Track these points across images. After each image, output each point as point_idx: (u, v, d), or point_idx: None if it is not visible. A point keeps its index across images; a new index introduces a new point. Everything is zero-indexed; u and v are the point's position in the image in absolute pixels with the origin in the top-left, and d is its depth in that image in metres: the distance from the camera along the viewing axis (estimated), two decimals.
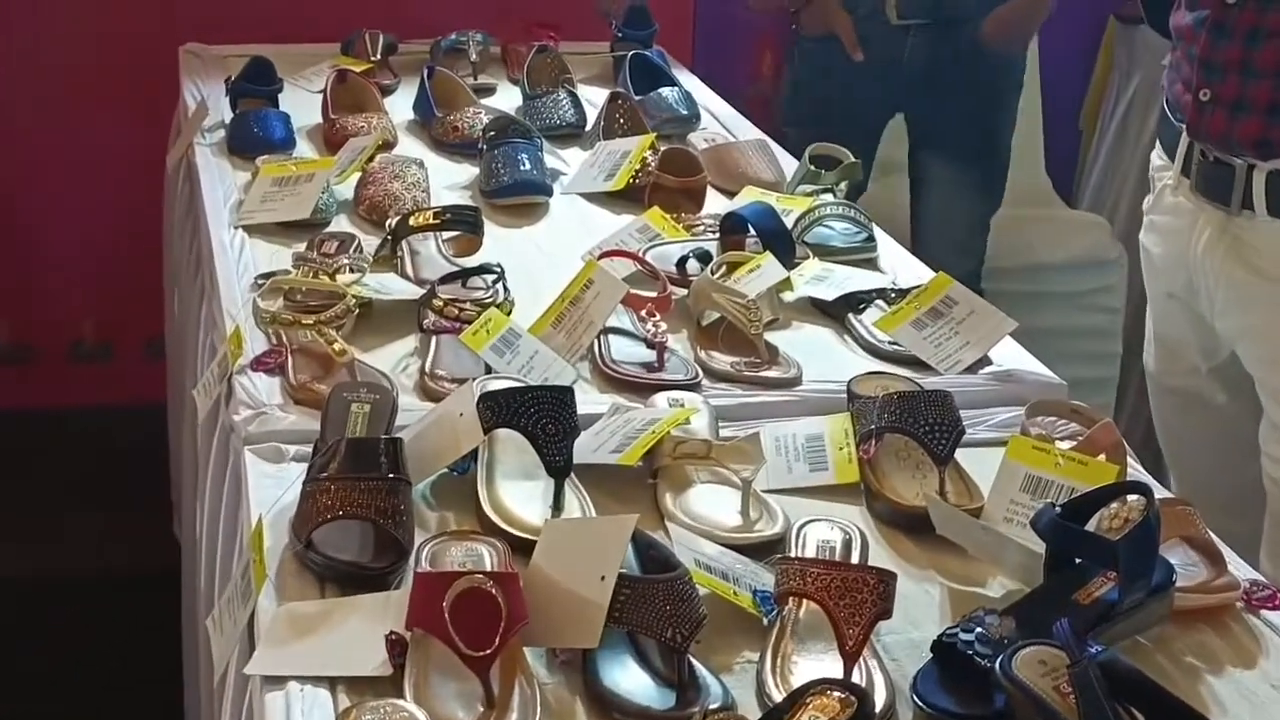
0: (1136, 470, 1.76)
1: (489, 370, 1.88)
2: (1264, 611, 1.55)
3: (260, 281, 2.12)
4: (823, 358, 2.05)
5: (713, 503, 1.69)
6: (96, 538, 3.39)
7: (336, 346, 1.91)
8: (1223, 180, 2.07)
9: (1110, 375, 3.64)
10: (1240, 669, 1.47)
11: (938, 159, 3.41)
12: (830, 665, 1.40)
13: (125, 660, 3.00)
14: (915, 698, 1.39)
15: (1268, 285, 2.07)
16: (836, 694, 1.24)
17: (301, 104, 2.98)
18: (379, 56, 3.21)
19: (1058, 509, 1.51)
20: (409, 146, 2.81)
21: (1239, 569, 1.61)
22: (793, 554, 1.58)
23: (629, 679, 1.40)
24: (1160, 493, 1.67)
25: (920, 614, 1.53)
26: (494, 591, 1.37)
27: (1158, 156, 2.27)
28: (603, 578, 1.40)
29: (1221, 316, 2.16)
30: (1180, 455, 2.42)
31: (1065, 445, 1.72)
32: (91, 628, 3.11)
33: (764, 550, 1.61)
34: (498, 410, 1.69)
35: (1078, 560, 1.50)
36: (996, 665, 1.33)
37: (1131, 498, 1.53)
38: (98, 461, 3.62)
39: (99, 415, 3.71)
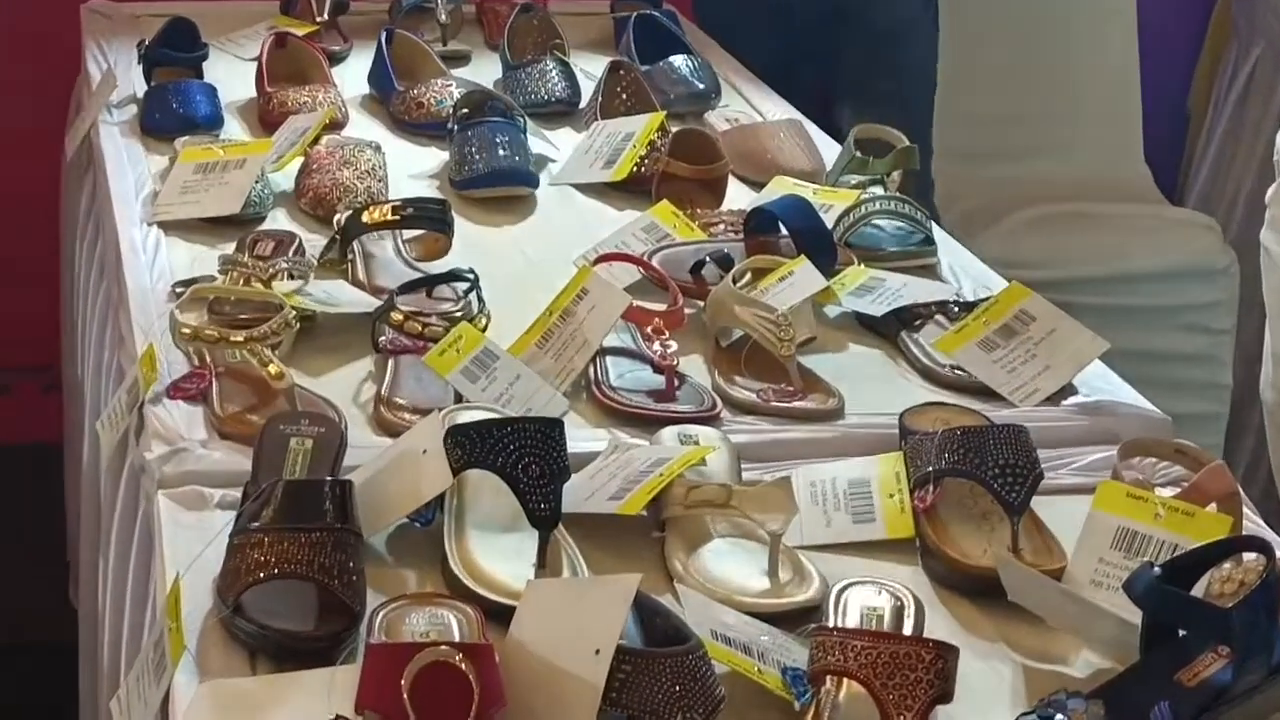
0: (1255, 524, 1.76)
1: (459, 399, 1.89)
2: None
3: (179, 290, 2.13)
4: (870, 385, 2.05)
5: (733, 561, 1.70)
6: None
7: (273, 369, 1.91)
8: None
9: (1219, 410, 3.63)
10: None
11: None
12: None
13: None
14: None
15: None
16: None
17: (231, 74, 2.99)
18: (326, 16, 3.23)
19: (1158, 570, 1.51)
20: (363, 126, 2.83)
21: None
22: (831, 623, 1.57)
23: None
24: None
25: (988, 698, 1.52)
26: (464, 667, 1.36)
27: None
28: (597, 651, 1.40)
29: None
30: None
31: (1167, 493, 1.71)
32: None
33: (796, 619, 1.60)
34: (470, 447, 1.68)
35: (1182, 632, 1.49)
36: None
37: (1248, 556, 1.53)
38: None
39: None
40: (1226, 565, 1.54)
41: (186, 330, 1.99)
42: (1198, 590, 1.52)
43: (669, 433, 1.88)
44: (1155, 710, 1.31)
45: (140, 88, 2.89)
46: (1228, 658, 1.46)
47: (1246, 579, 1.51)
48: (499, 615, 1.53)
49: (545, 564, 1.65)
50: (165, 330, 2.04)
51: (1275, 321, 2.36)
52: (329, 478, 1.67)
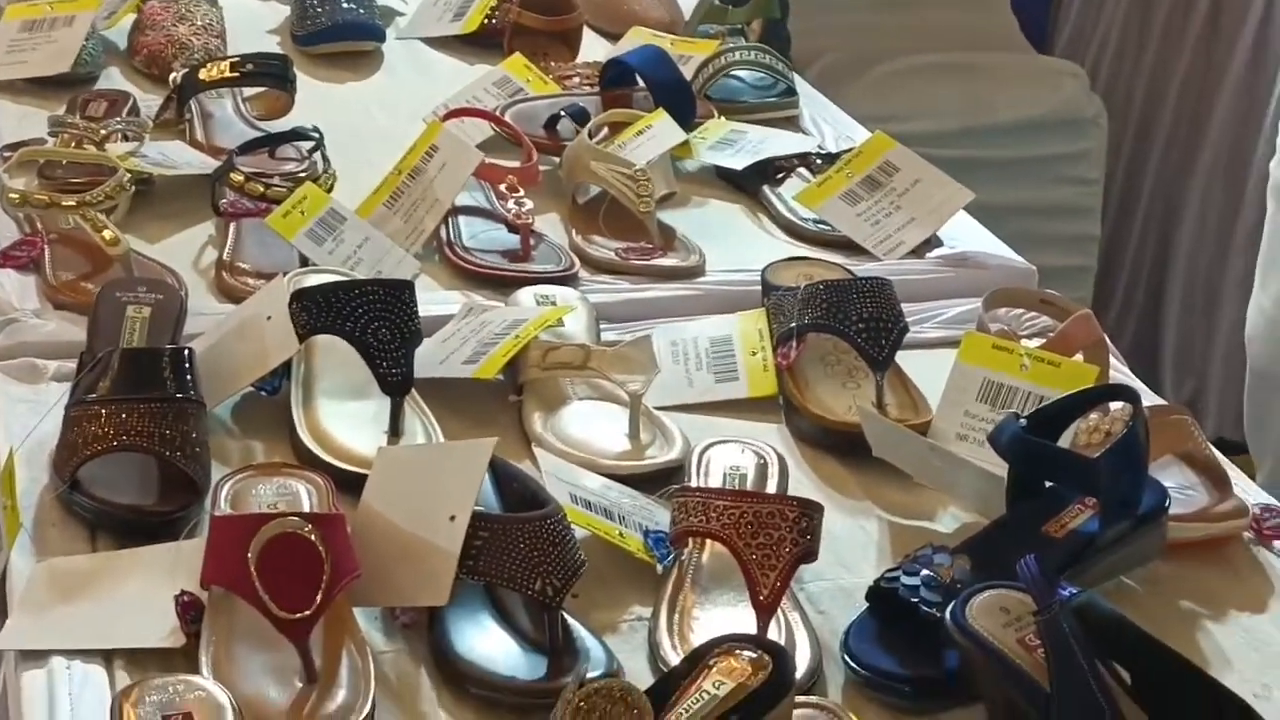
0: (1122, 373, 1.77)
1: (305, 262, 1.86)
2: (1277, 543, 1.57)
3: (7, 154, 2.07)
4: (731, 241, 2.05)
5: (592, 424, 1.69)
6: None
7: (107, 234, 1.87)
8: None
9: (1087, 264, 3.66)
10: (1247, 613, 1.49)
11: None
12: (741, 619, 1.40)
13: None
14: (846, 657, 1.39)
15: None
16: (747, 654, 1.23)
17: None
18: None
19: (1023, 421, 1.52)
20: None
21: (1247, 493, 1.62)
22: (693, 484, 1.57)
23: (488, 643, 1.39)
24: (1150, 399, 1.69)
25: (852, 555, 1.54)
26: (313, 538, 1.34)
27: None
28: (453, 518, 1.39)
29: None
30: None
31: (1033, 344, 1.72)
32: None
33: (658, 481, 1.61)
34: (316, 311, 1.66)
35: (1048, 484, 1.51)
36: (947, 615, 1.33)
37: (1115, 406, 1.54)
38: None
39: None
40: (1093, 415, 1.55)
41: (15, 195, 1.94)
42: (1064, 441, 1.53)
43: (525, 294, 1.86)
44: (1021, 563, 1.32)
45: None
46: (1094, 509, 1.48)
47: (1113, 429, 1.52)
48: (350, 484, 1.52)
49: (398, 431, 1.64)
50: None
51: (1269, 269, 2.33)
52: (168, 346, 1.64)
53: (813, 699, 1.33)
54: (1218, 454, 1.65)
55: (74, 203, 1.91)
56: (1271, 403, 2.27)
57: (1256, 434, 2.22)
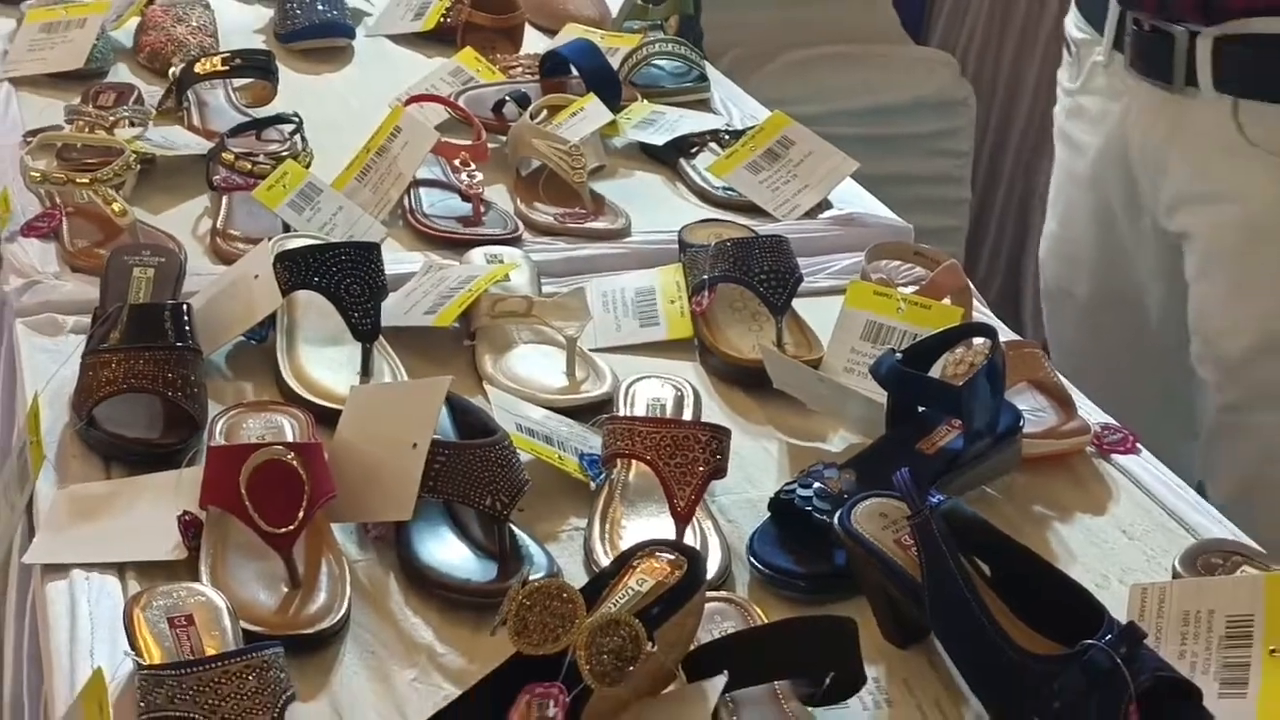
0: (983, 313, 1.78)
1: (287, 229, 1.84)
2: (1115, 456, 1.58)
3: (29, 139, 2.05)
4: (653, 206, 2.04)
5: (535, 364, 1.69)
6: None
7: (116, 207, 1.85)
8: (1160, 53, 1.88)
9: (959, 225, 3.67)
10: (1090, 515, 1.51)
11: None
12: (662, 528, 1.41)
13: None
14: (752, 558, 1.40)
15: (1211, 176, 1.90)
16: (666, 556, 1.24)
17: None
18: None
19: (899, 355, 1.53)
20: None
21: (1090, 413, 1.64)
22: (621, 413, 1.57)
23: (447, 551, 1.39)
24: (1006, 335, 1.69)
25: (757, 471, 1.54)
26: (295, 464, 1.35)
27: (1076, 28, 2.09)
28: (415, 445, 1.39)
29: (1166, 214, 1.98)
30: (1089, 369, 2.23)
31: (908, 290, 1.73)
32: None
33: (591, 411, 1.61)
34: (296, 270, 1.65)
35: (921, 409, 1.52)
36: (835, 521, 1.34)
37: (977, 341, 1.55)
38: None
39: None
40: (959, 350, 1.56)
41: (36, 174, 1.91)
42: (934, 372, 1.54)
43: (477, 253, 1.85)
44: (897, 475, 1.33)
45: None
46: (959, 429, 1.49)
47: (975, 361, 1.53)
48: (327, 418, 1.52)
49: (368, 372, 1.63)
50: (18, 175, 1.97)
51: (1055, 202, 2.25)
52: (170, 302, 1.63)
53: (722, 594, 1.34)
54: (1064, 381, 1.66)
55: (87, 180, 1.89)
56: (1060, 316, 2.28)
57: (1055, 350, 2.21)
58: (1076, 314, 2.21)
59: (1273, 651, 1.23)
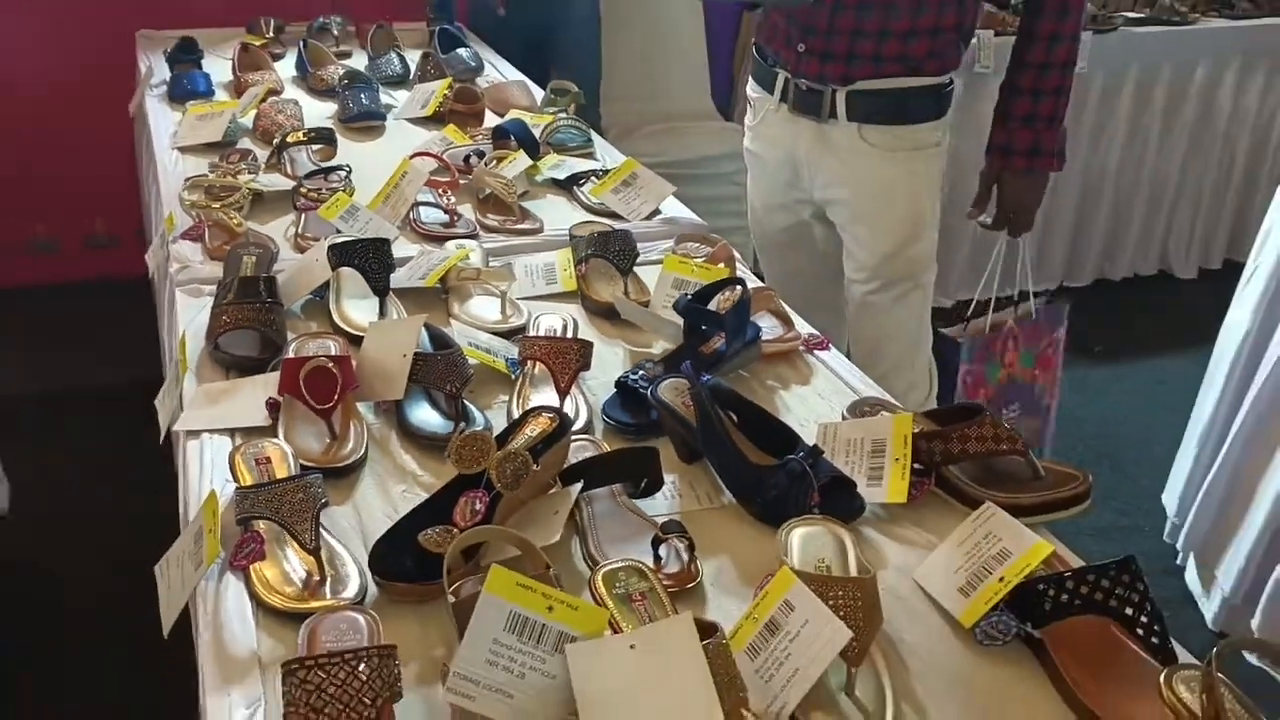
0: (744, 271, 1.76)
1: (338, 232, 1.79)
2: (816, 351, 1.58)
3: (189, 181, 1.97)
4: (557, 214, 1.99)
5: (484, 308, 1.65)
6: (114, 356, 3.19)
7: (235, 221, 1.79)
8: (814, 101, 1.90)
9: (745, 224, 3.63)
10: (799, 386, 1.50)
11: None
12: (551, 399, 1.39)
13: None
14: (604, 416, 1.39)
15: (847, 168, 1.94)
16: (546, 415, 1.23)
17: (218, 67, 2.76)
18: (271, 34, 3.00)
19: (690, 296, 1.51)
20: (290, 91, 2.63)
21: (802, 327, 1.63)
22: (530, 334, 1.55)
23: (424, 416, 1.37)
24: (754, 283, 1.68)
25: (610, 367, 1.52)
26: (333, 368, 1.32)
27: (753, 90, 2.09)
28: (404, 355, 1.36)
29: (820, 190, 2.00)
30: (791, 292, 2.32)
31: (699, 259, 1.71)
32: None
33: (514, 334, 1.58)
34: (341, 255, 1.61)
35: (703, 328, 1.50)
36: (650, 393, 1.33)
37: (736, 288, 1.53)
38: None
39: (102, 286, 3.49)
40: (725, 292, 1.54)
41: (189, 202, 1.85)
42: (711, 306, 1.52)
43: (450, 245, 1.80)
44: (683, 365, 1.31)
45: (167, 75, 2.66)
46: (723, 339, 1.47)
47: (734, 299, 1.51)
48: (356, 341, 1.48)
49: (383, 314, 1.59)
50: (178, 205, 1.90)
51: (761, 188, 2.17)
52: (264, 276, 1.58)
53: (585, 437, 1.33)
54: (787, 308, 1.65)
55: (219, 206, 1.83)
56: (769, 260, 2.24)
57: (771, 282, 2.22)
58: (778, 256, 2.20)
59: (896, 460, 1.24)
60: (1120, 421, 3.10)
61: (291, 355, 1.43)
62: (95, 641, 2.17)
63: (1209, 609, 2.31)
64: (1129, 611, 0.97)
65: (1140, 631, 0.96)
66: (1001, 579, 1.04)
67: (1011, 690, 0.98)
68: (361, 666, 0.86)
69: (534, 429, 1.21)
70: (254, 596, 1.07)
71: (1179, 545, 2.45)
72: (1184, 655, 0.97)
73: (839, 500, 1.18)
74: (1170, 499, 2.54)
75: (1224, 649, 0.83)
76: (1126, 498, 2.72)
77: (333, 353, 1.44)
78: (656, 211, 2.00)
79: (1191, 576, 2.40)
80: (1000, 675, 1.00)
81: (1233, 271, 2.63)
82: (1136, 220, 3.91)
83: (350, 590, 1.06)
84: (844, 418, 1.36)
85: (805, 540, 1.11)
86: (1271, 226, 2.28)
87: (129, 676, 2.07)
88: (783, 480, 1.18)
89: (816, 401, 1.46)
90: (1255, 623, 2.18)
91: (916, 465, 1.23)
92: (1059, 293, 3.87)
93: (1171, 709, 0.85)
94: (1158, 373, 3.36)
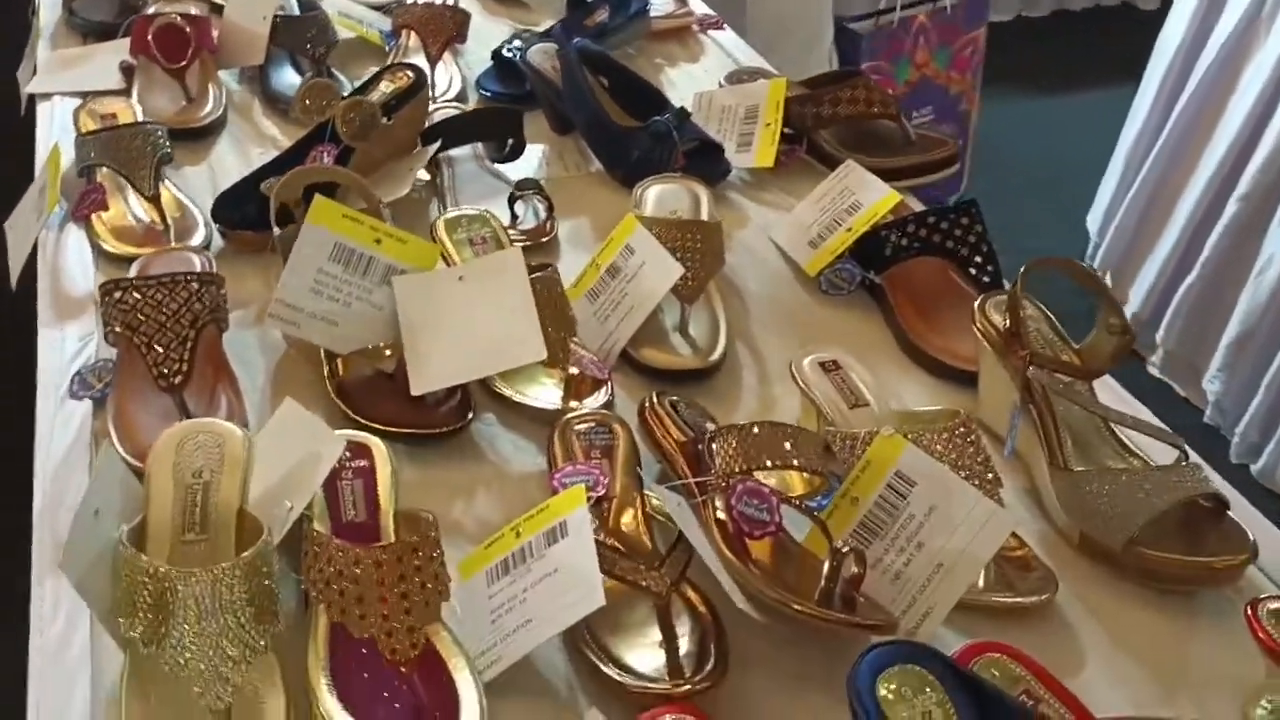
0: None
1: None
2: (710, 31, 1.50)
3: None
4: None
5: None
6: None
7: None
8: None
9: None
10: (690, 64, 1.43)
11: None
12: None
13: None
14: (479, 87, 1.32)
15: None
16: (403, 71, 1.16)
17: None
18: None
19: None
20: None
21: (697, 6, 1.53)
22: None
23: (289, 80, 1.31)
24: None
25: (493, 43, 1.41)
26: (185, 27, 1.25)
27: None
28: (265, 18, 1.29)
29: None
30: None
31: None
32: None
33: (388, 8, 1.46)
34: None
35: (588, 0, 1.43)
36: (519, 57, 1.28)
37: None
38: None
39: None
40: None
41: None
42: None
43: None
44: (556, 30, 1.25)
45: None
46: (608, 12, 1.40)
47: None
48: (220, 11, 1.38)
49: None
50: None
51: None
52: None
53: (456, 104, 1.27)
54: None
55: None
56: None
57: None
58: None
59: (767, 125, 1.21)
60: (1060, 152, 3.06)
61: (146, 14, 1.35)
62: None
63: None
64: (964, 252, 0.97)
65: (974, 271, 0.97)
66: (850, 229, 1.04)
67: (845, 324, 1.00)
68: (180, 289, 0.86)
69: (389, 85, 1.16)
70: (95, 245, 1.05)
71: (1096, 265, 2.47)
72: None
73: (704, 163, 1.16)
74: (1094, 220, 2.54)
75: (1030, 266, 0.84)
76: (1053, 225, 2.72)
77: (191, 14, 1.36)
78: None
79: None
80: (837, 316, 1.01)
81: None
82: None
83: (195, 240, 1.05)
84: (720, 86, 1.31)
85: (661, 195, 1.09)
86: None
87: None
88: (646, 141, 1.15)
89: (704, 78, 1.40)
90: (1159, 335, 2.22)
91: (788, 130, 1.20)
92: (1016, 22, 3.74)
93: (982, 333, 0.86)
94: (1107, 104, 3.30)
